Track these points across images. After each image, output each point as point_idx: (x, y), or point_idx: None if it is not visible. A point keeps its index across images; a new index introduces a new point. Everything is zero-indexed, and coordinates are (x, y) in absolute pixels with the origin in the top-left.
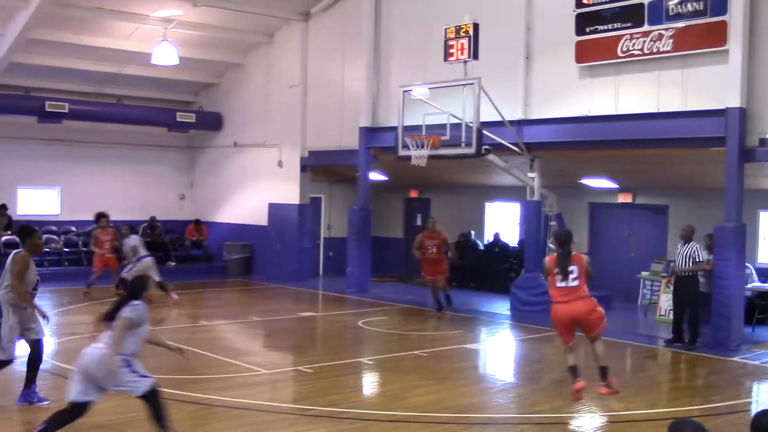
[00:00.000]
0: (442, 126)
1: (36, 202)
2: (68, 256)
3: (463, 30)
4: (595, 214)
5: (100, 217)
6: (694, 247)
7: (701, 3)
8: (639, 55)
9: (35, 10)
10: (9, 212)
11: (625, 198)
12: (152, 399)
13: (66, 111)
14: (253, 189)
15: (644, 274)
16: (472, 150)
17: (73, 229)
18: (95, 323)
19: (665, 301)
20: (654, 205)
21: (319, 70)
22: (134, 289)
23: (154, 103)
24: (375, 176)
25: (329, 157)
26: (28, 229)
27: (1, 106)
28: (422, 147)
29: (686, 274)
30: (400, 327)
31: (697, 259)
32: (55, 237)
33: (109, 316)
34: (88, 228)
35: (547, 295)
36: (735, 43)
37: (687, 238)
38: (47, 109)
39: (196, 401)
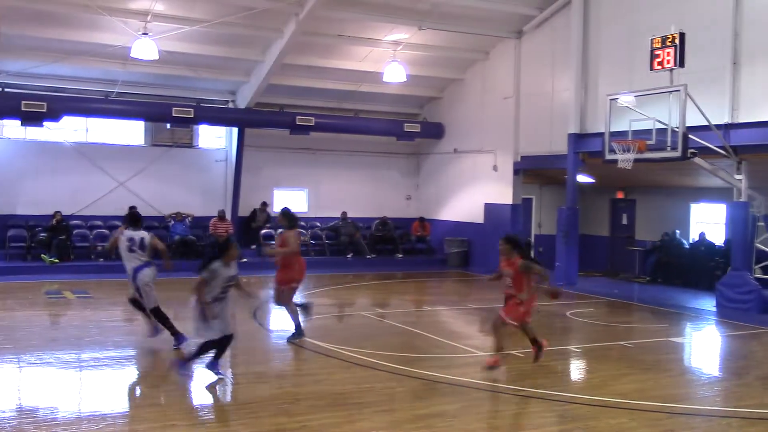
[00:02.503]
0: (648, 131)
1: (289, 202)
2: (314, 247)
3: (669, 39)
4: None
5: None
6: None
7: None
8: None
9: (288, 39)
10: (268, 209)
11: None
12: (218, 345)
13: (312, 124)
14: (471, 190)
15: None
16: (677, 153)
17: (318, 224)
18: None
19: None
20: None
21: (531, 82)
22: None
23: (385, 115)
24: (583, 178)
25: (540, 161)
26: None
27: (261, 121)
28: (628, 151)
29: None
30: (605, 319)
31: None
32: (303, 231)
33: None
34: (331, 223)
35: (755, 293)
36: None
37: None
38: (297, 123)
39: (420, 377)
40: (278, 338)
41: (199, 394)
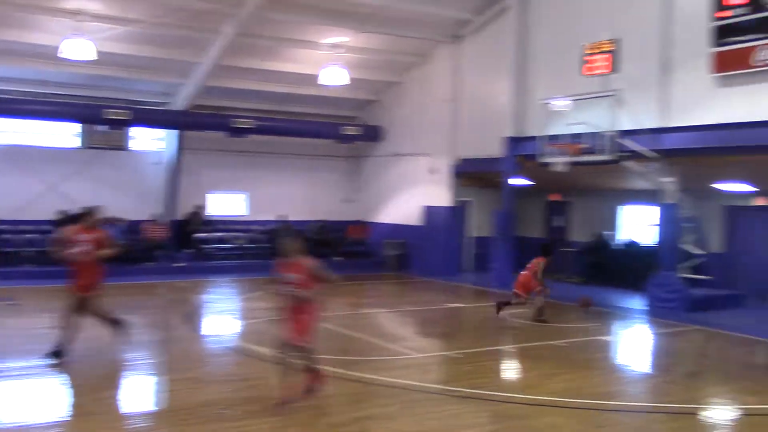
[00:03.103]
0: (582, 135)
1: (226, 205)
2: (251, 250)
3: (602, 46)
4: (731, 216)
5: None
6: None
7: None
8: None
9: (226, 41)
10: (201, 212)
11: (762, 201)
12: None
13: (251, 127)
14: (410, 193)
15: None
16: (609, 157)
17: (256, 227)
18: None
19: None
20: None
21: (469, 86)
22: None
23: (324, 118)
24: (519, 181)
25: (477, 164)
26: None
27: (198, 123)
28: (563, 155)
29: None
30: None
31: None
32: (240, 234)
33: None
34: (268, 226)
35: (681, 292)
36: None
37: None
38: (235, 126)
39: (356, 380)
40: (213, 343)
41: (132, 402)
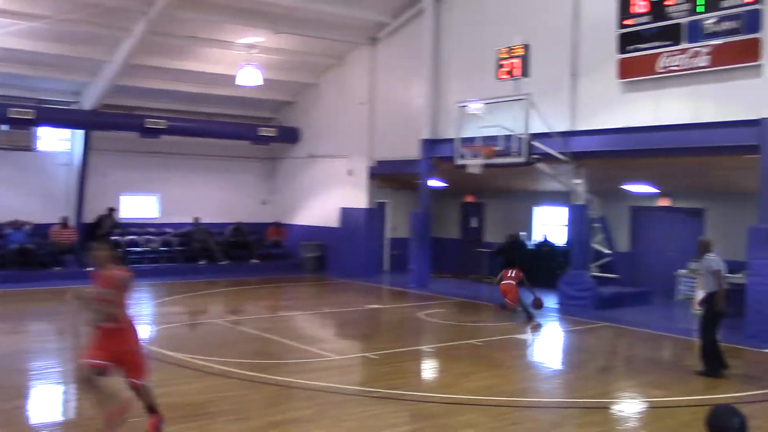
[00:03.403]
0: (495, 138)
1: (138, 207)
2: (164, 254)
3: (514, 50)
4: (636, 216)
5: None
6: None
7: (736, 22)
8: (677, 70)
9: (137, 39)
10: (114, 215)
11: (664, 202)
12: None
13: (163, 127)
14: (326, 195)
15: (681, 272)
16: (522, 159)
17: (169, 230)
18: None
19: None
20: (691, 208)
21: (385, 88)
22: None
23: (239, 119)
24: (435, 183)
25: (394, 166)
26: None
27: (108, 123)
28: (477, 157)
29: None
30: (456, 318)
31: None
32: (153, 237)
33: None
34: (182, 229)
35: (592, 290)
36: None
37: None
38: (147, 126)
39: (275, 383)
40: None
41: (39, 412)
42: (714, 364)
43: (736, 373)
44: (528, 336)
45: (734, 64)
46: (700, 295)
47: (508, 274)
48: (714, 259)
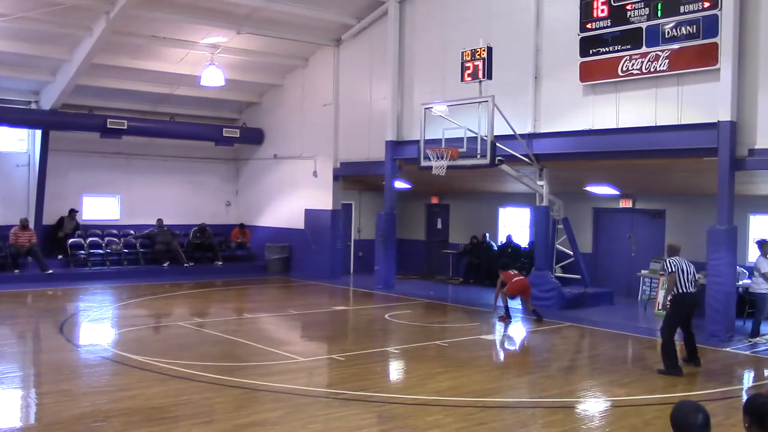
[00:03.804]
0: (460, 139)
1: (99, 209)
2: (127, 256)
3: (478, 53)
4: (599, 218)
5: None
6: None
7: (694, 27)
8: (638, 74)
9: (98, 38)
10: (76, 216)
11: (626, 203)
12: None
13: (125, 127)
14: (291, 196)
15: (644, 272)
16: (486, 161)
17: (132, 232)
18: None
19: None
20: (652, 209)
21: (349, 90)
22: None
23: (203, 120)
24: (400, 184)
25: (358, 167)
26: None
27: (68, 123)
28: (442, 158)
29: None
30: (422, 320)
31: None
32: (115, 239)
33: None
34: (145, 231)
35: (556, 291)
36: (726, 63)
37: (669, 255)
38: (108, 126)
39: (240, 386)
40: (87, 353)
41: (1, 417)
42: (674, 362)
43: (697, 371)
44: (493, 337)
45: (693, 68)
46: (661, 295)
47: (513, 274)
48: (672, 262)
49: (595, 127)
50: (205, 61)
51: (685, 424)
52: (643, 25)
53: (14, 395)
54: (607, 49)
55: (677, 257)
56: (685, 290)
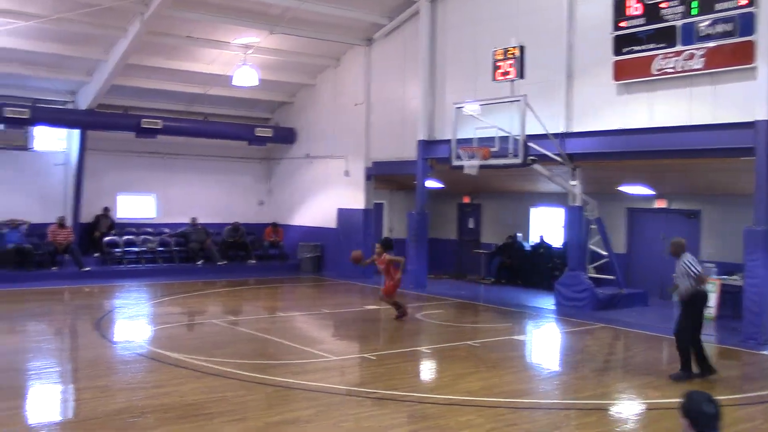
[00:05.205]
0: (492, 139)
1: (134, 207)
2: (162, 254)
3: (510, 52)
4: (633, 218)
5: None
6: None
7: (730, 24)
8: (672, 72)
9: (133, 38)
10: (110, 215)
11: (661, 204)
12: None
13: (160, 127)
14: (324, 195)
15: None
16: (518, 160)
17: (166, 230)
18: None
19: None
20: (687, 210)
21: (381, 89)
22: None
23: (236, 119)
24: (431, 184)
25: (390, 167)
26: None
27: (103, 123)
28: (473, 158)
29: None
30: (454, 319)
31: (692, 273)
32: (150, 237)
33: None
34: (180, 229)
35: (589, 291)
36: (762, 61)
37: (676, 254)
38: (143, 126)
39: (274, 384)
40: (123, 350)
41: (37, 412)
42: (686, 365)
43: (734, 374)
44: (525, 337)
45: (728, 66)
46: (674, 298)
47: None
48: (687, 261)
49: (628, 127)
50: (238, 61)
51: (696, 413)
52: (678, 23)
53: (53, 390)
54: (640, 48)
55: (688, 255)
56: (701, 287)
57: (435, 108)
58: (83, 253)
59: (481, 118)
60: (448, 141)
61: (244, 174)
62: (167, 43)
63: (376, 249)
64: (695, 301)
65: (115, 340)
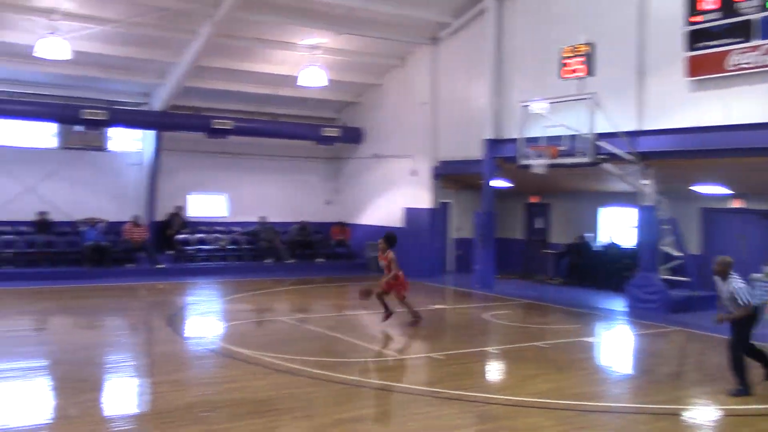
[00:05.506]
0: (560, 138)
1: (205, 206)
2: (232, 252)
3: (579, 49)
4: (708, 218)
5: None
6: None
7: None
8: (748, 68)
9: (203, 41)
10: (182, 214)
11: (737, 203)
12: None
13: (230, 128)
14: (390, 194)
15: (755, 276)
16: (587, 159)
17: (236, 229)
18: None
19: None
20: (765, 210)
21: (447, 88)
22: None
23: (304, 119)
24: (499, 183)
25: (457, 166)
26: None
27: (176, 124)
28: (542, 157)
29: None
30: (522, 320)
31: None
32: (221, 236)
33: None
34: (250, 228)
35: (661, 293)
36: None
37: (722, 274)
38: (214, 126)
39: (341, 381)
40: (196, 345)
41: (114, 405)
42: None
43: None
44: (595, 339)
45: None
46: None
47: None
48: (736, 287)
49: (702, 124)
50: (305, 62)
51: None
52: (754, 17)
53: (130, 383)
54: (715, 43)
55: (735, 275)
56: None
57: (502, 106)
58: (157, 251)
59: (549, 116)
60: (515, 140)
61: (312, 173)
62: (237, 45)
63: (379, 245)
64: (744, 321)
65: (187, 335)
